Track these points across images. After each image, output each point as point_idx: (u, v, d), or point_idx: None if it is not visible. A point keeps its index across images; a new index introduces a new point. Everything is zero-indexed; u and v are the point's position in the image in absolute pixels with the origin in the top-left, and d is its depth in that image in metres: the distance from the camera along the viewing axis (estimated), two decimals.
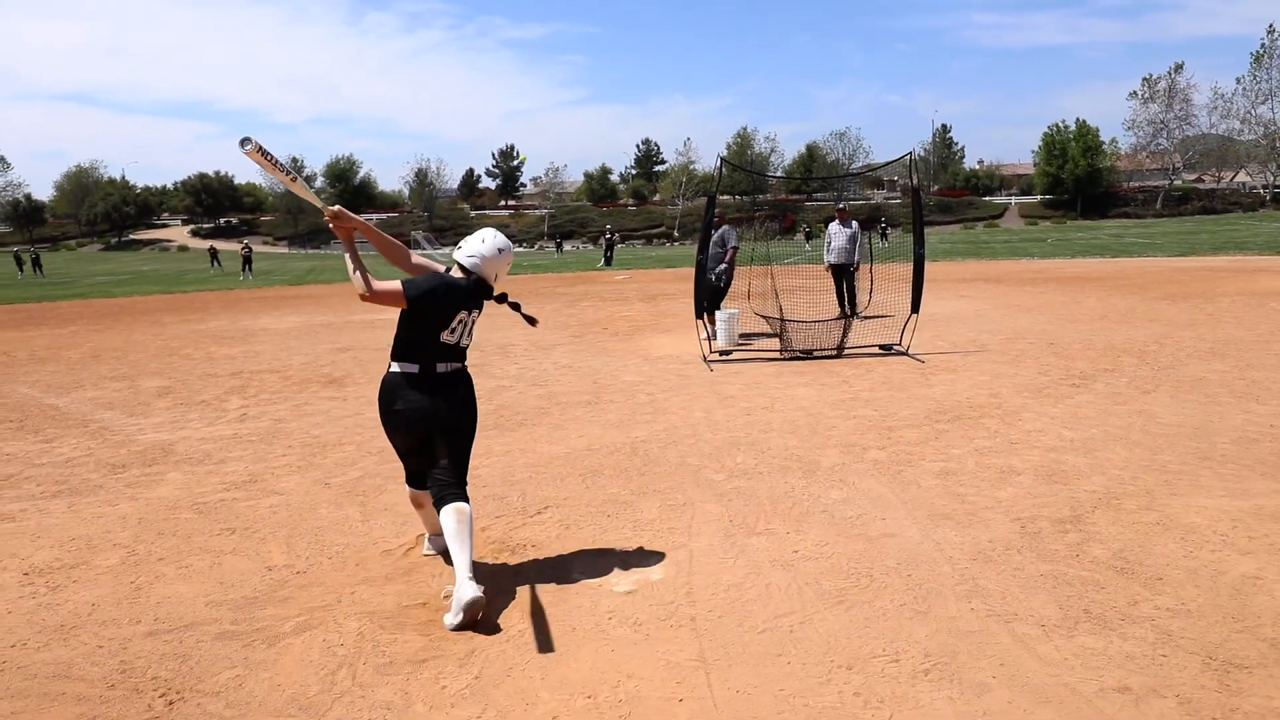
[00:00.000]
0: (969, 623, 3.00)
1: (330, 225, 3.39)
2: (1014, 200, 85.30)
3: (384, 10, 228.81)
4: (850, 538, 3.84)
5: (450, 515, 3.27)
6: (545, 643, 2.97)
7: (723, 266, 10.57)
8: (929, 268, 10.16)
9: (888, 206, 71.19)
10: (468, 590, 3.08)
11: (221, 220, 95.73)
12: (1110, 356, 8.19)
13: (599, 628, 3.07)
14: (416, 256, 3.60)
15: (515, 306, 3.62)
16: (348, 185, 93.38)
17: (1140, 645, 2.81)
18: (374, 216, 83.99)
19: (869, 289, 11.84)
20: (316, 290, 22.99)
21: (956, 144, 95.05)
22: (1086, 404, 6.27)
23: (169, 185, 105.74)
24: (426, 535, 3.85)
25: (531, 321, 3.70)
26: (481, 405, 3.74)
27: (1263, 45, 74.98)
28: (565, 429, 6.08)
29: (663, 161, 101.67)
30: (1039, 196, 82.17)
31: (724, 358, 9.04)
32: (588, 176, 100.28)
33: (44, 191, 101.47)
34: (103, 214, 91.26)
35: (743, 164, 74.86)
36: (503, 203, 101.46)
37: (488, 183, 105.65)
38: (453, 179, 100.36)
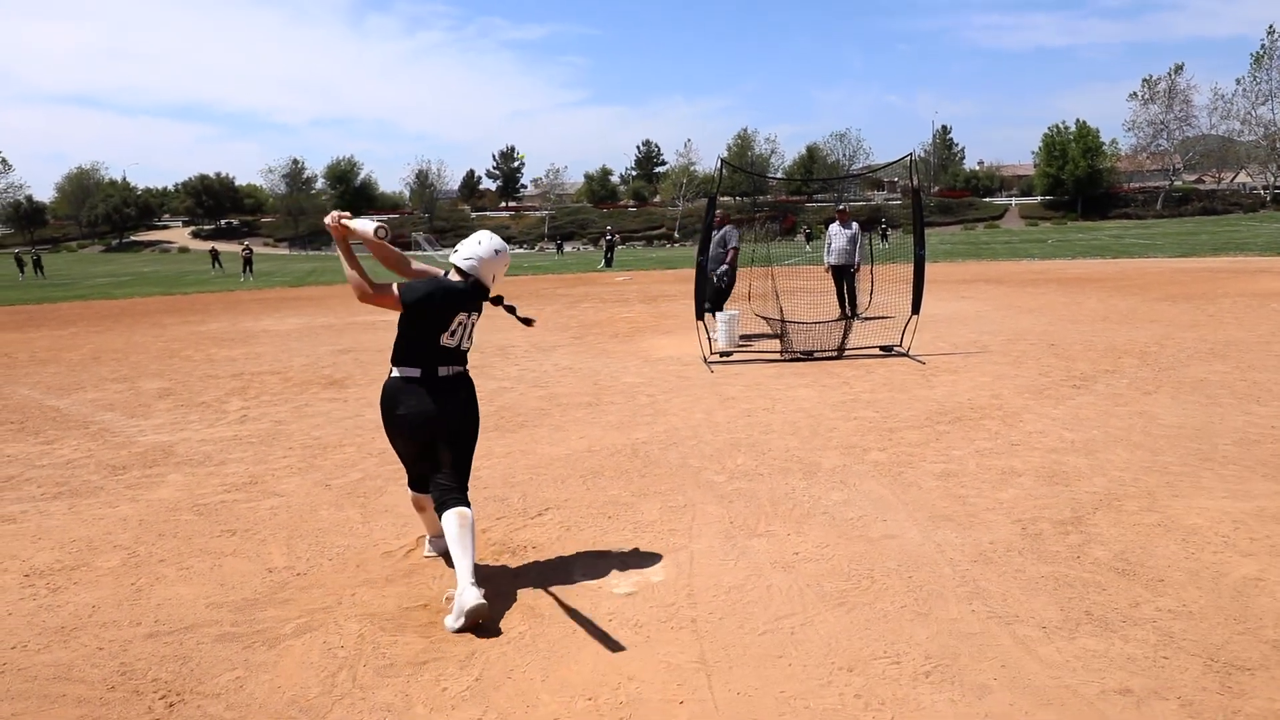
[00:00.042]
0: (970, 624, 3.00)
1: (329, 228, 3.38)
2: (1014, 201, 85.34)
3: (384, 12, 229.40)
4: (851, 539, 3.84)
5: (452, 520, 3.27)
6: (546, 645, 2.97)
7: (724, 268, 10.57)
8: (929, 269, 10.16)
9: (888, 207, 71.17)
10: (470, 597, 3.07)
11: (222, 222, 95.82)
12: (1111, 358, 8.18)
13: (599, 630, 3.07)
14: (416, 263, 3.59)
15: (511, 309, 3.61)
16: (349, 187, 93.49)
17: (1142, 647, 2.81)
18: (375, 218, 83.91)
19: (869, 290, 11.84)
20: (317, 292, 23.00)
21: (957, 145, 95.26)
22: (1088, 405, 6.27)
23: (170, 187, 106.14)
24: (427, 537, 3.85)
25: (527, 323, 3.69)
26: (482, 407, 3.74)
27: (1263, 46, 75.19)
28: (566, 430, 6.08)
29: (663, 163, 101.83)
30: (1039, 197, 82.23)
31: (724, 359, 9.04)
32: (588, 178, 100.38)
33: (45, 193, 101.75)
34: (104, 215, 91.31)
35: (743, 165, 74.88)
36: (503, 204, 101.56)
37: (488, 184, 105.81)
38: (453, 180, 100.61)
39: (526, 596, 3.38)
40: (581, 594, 3.38)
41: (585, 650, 2.92)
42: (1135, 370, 7.51)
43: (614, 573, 3.57)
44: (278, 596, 3.42)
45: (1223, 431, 5.39)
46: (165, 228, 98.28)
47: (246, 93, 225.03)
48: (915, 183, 9.84)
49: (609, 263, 33.30)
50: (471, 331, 3.49)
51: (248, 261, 32.78)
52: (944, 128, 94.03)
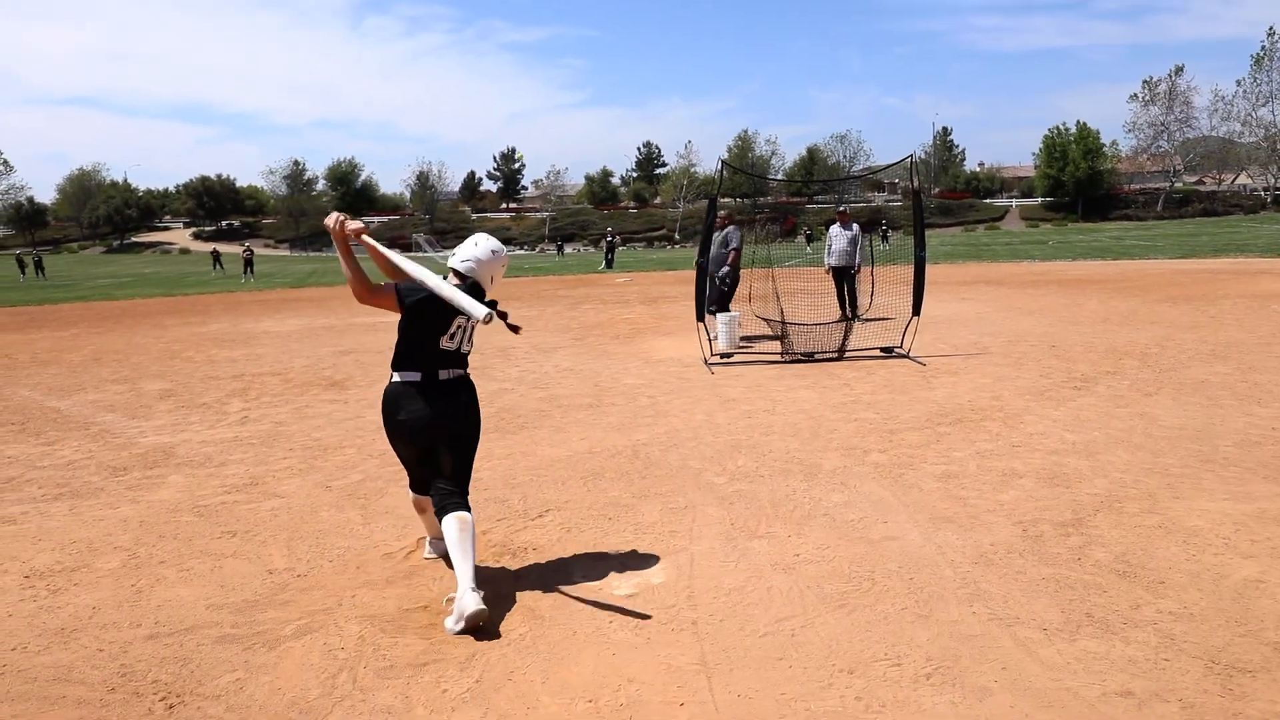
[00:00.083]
0: (971, 626, 3.00)
1: (329, 231, 3.38)
2: (1015, 203, 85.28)
3: (384, 14, 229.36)
4: (852, 541, 3.84)
5: (452, 524, 3.26)
6: (546, 646, 2.97)
7: (725, 269, 10.57)
8: (930, 270, 10.16)
9: (888, 209, 71.13)
10: (470, 602, 3.07)
11: (223, 223, 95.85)
12: (1112, 359, 8.18)
13: (600, 631, 3.07)
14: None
15: (503, 316, 3.59)
16: (349, 188, 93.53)
17: (1143, 649, 2.80)
18: (376, 219, 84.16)
19: (870, 291, 11.84)
20: (318, 293, 23.00)
21: (957, 147, 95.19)
22: (1088, 407, 6.26)
23: (171, 188, 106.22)
24: (428, 539, 3.85)
25: (515, 330, 3.64)
26: (483, 408, 3.73)
27: (1263, 48, 75.20)
28: (566, 432, 6.08)
29: (664, 164, 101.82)
30: (1040, 199, 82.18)
31: (725, 360, 9.04)
32: (589, 179, 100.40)
33: (46, 194, 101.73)
34: (105, 217, 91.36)
35: (744, 167, 74.88)
36: (504, 205, 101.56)
37: (489, 185, 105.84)
38: (454, 182, 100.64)
39: (527, 598, 3.38)
40: (582, 596, 3.37)
41: (586, 652, 2.92)
42: (1136, 372, 7.51)
43: (614, 574, 3.57)
44: (278, 598, 3.42)
45: (1224, 433, 5.39)
46: (166, 229, 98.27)
47: (247, 94, 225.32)
48: (916, 184, 9.84)
49: (610, 264, 33.33)
50: (472, 334, 3.48)
51: (248, 263, 32.83)
52: (944, 129, 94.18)
